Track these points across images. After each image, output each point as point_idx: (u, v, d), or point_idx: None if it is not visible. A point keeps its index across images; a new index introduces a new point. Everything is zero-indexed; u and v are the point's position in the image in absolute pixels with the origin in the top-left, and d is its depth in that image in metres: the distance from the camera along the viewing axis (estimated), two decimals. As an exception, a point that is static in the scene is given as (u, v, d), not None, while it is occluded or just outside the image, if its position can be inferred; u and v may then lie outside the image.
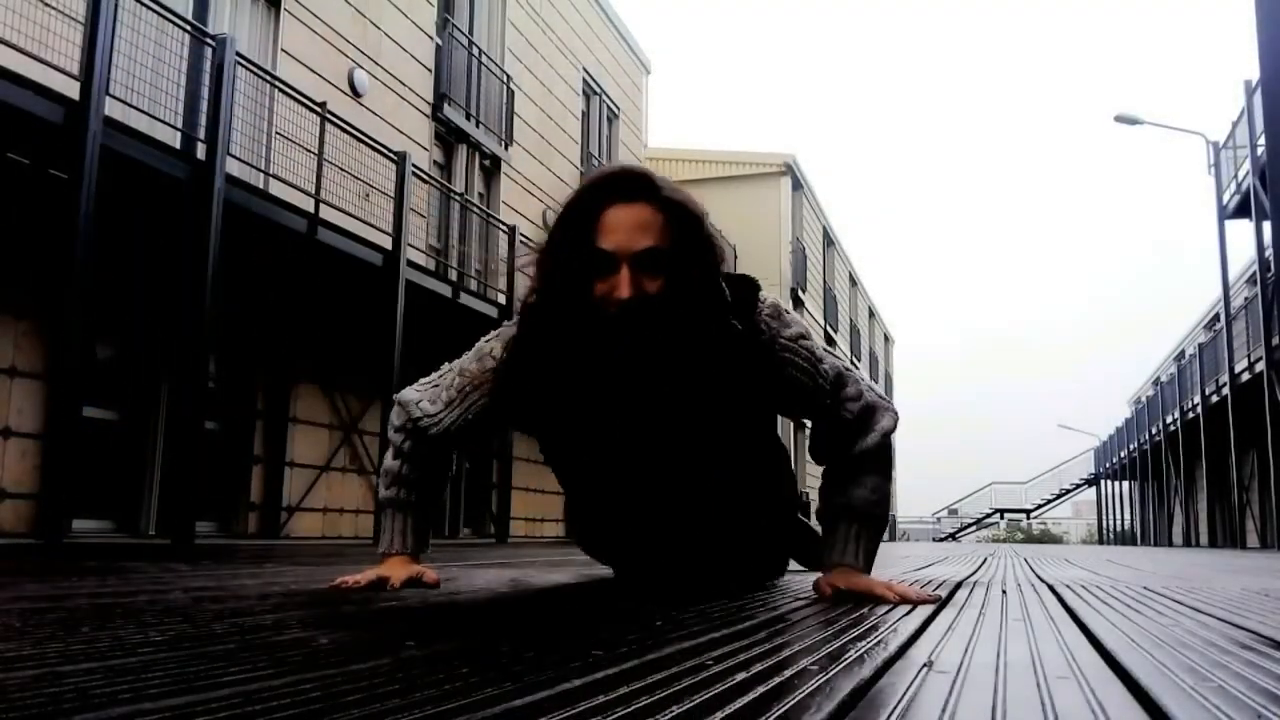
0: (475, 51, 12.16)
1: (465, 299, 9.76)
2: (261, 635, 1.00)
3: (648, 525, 1.86)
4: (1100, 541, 33.94)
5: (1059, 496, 36.44)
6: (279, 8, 8.92)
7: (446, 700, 0.65)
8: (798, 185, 23.24)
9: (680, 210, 1.61)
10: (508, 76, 12.84)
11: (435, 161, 11.48)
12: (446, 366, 1.91)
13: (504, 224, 11.14)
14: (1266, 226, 13.58)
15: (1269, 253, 13.75)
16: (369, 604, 1.45)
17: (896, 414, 1.80)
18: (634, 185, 1.60)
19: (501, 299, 10.58)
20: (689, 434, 1.73)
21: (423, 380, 1.93)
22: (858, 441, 1.75)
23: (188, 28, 6.73)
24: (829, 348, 1.80)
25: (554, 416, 1.76)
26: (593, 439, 1.76)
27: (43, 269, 6.18)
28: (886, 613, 1.40)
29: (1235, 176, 15.54)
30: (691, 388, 1.67)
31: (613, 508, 1.89)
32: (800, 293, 22.68)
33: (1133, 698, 0.71)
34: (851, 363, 1.86)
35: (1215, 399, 17.23)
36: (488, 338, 1.86)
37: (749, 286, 1.75)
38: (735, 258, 20.81)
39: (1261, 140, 13.09)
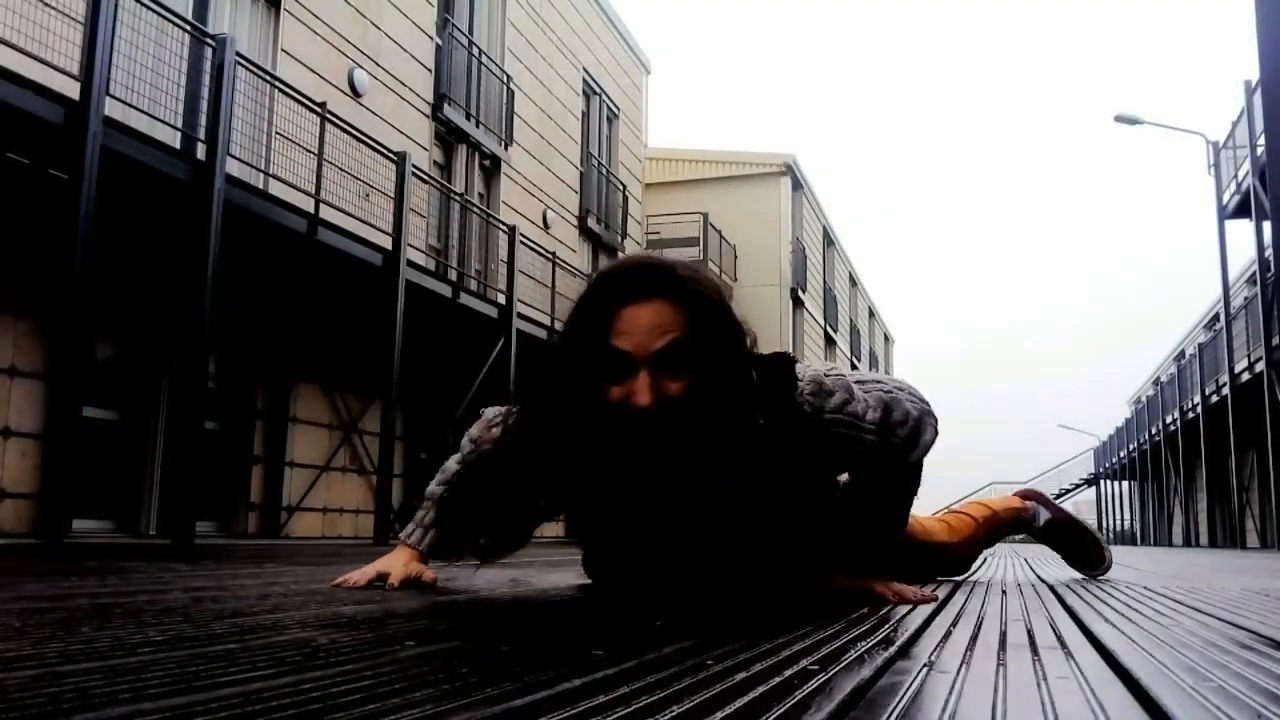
0: (475, 51, 12.16)
1: (465, 299, 9.76)
2: (261, 635, 1.00)
3: (684, 588, 1.75)
4: (1100, 541, 33.90)
5: (1059, 496, 36.40)
6: (279, 8, 8.92)
7: (446, 700, 0.65)
8: (798, 185, 23.24)
9: (702, 301, 1.49)
10: (508, 76, 12.84)
11: (435, 161, 11.48)
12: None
13: (504, 224, 11.14)
14: (1266, 226, 13.58)
15: (1269, 253, 13.75)
16: (368, 604, 1.45)
17: (936, 419, 1.72)
18: (651, 280, 1.48)
19: (501, 299, 10.58)
20: (725, 526, 1.63)
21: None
22: (901, 458, 1.69)
23: (188, 28, 6.73)
24: (864, 378, 1.70)
25: (573, 499, 1.67)
26: (618, 527, 1.70)
27: (43, 269, 6.18)
28: (886, 612, 1.40)
29: (1235, 176, 15.54)
30: (721, 484, 1.56)
31: (644, 573, 1.81)
32: (800, 293, 22.68)
33: (1133, 698, 0.71)
34: (859, 365, 1.81)
35: (1215, 399, 17.23)
36: (490, 419, 1.80)
37: (783, 367, 1.60)
38: (735, 258, 20.83)
39: (1261, 140, 13.10)
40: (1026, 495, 2.71)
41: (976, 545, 2.50)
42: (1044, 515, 2.64)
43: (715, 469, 1.53)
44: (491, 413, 1.82)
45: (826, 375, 1.63)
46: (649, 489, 1.58)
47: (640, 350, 1.44)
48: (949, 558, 2.44)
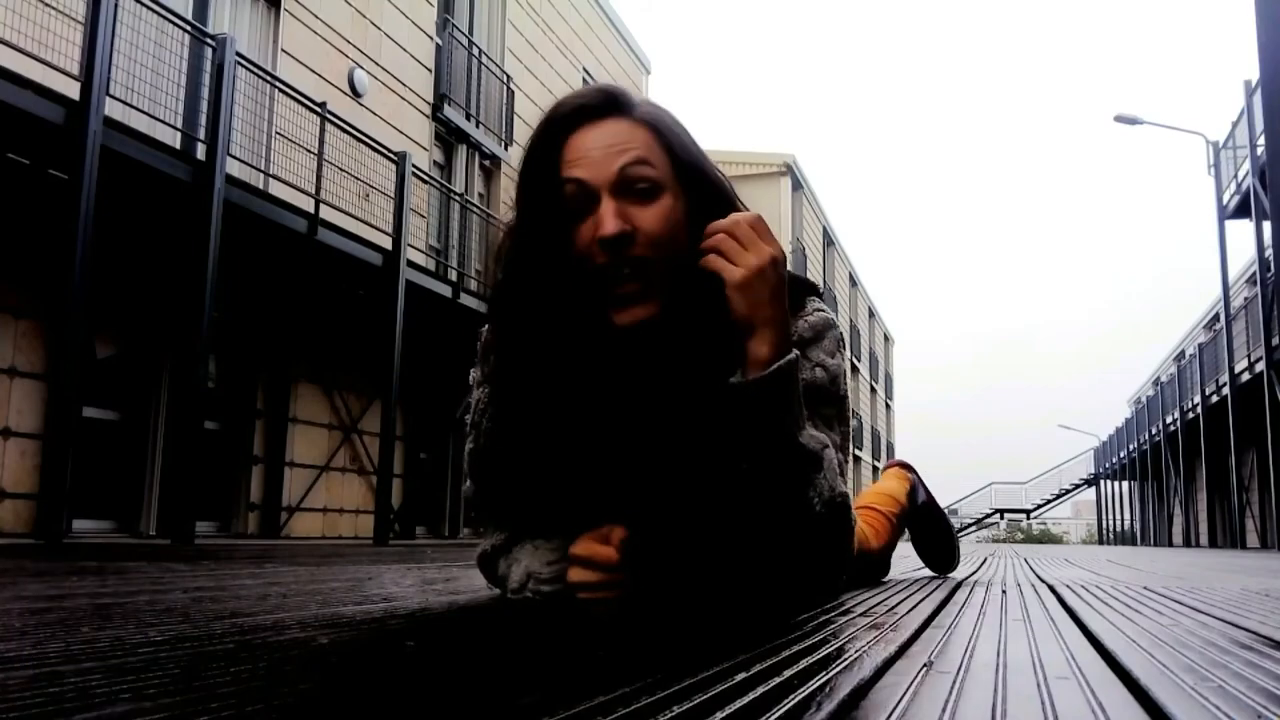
0: (475, 51, 12.16)
1: (465, 299, 9.76)
2: (261, 635, 1.00)
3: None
4: (1100, 541, 33.96)
5: (1059, 496, 36.45)
6: (279, 8, 8.92)
7: (446, 699, 0.65)
8: (798, 185, 23.25)
9: (663, 120, 1.26)
10: (508, 76, 12.85)
11: (435, 161, 11.49)
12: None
13: (504, 224, 11.14)
14: (1266, 226, 13.58)
15: (1269, 253, 13.76)
16: (368, 604, 1.45)
17: (850, 538, 1.29)
18: (600, 102, 1.25)
19: (501, 299, 10.58)
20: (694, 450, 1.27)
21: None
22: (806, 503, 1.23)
23: (188, 28, 6.73)
24: (842, 417, 1.36)
25: (540, 416, 1.30)
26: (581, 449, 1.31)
27: (43, 269, 6.18)
28: (886, 613, 1.41)
29: (1235, 176, 15.55)
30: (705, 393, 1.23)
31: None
32: (800, 293, 22.69)
33: (1133, 698, 0.71)
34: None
35: (1215, 399, 17.24)
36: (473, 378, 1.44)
37: (802, 289, 1.36)
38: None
39: (1261, 140, 13.09)
40: (903, 465, 2.51)
41: (894, 542, 2.31)
42: (921, 493, 2.45)
43: (707, 363, 1.22)
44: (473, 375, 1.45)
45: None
46: (623, 390, 1.26)
47: (597, 175, 1.20)
48: (879, 563, 2.23)
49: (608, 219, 1.17)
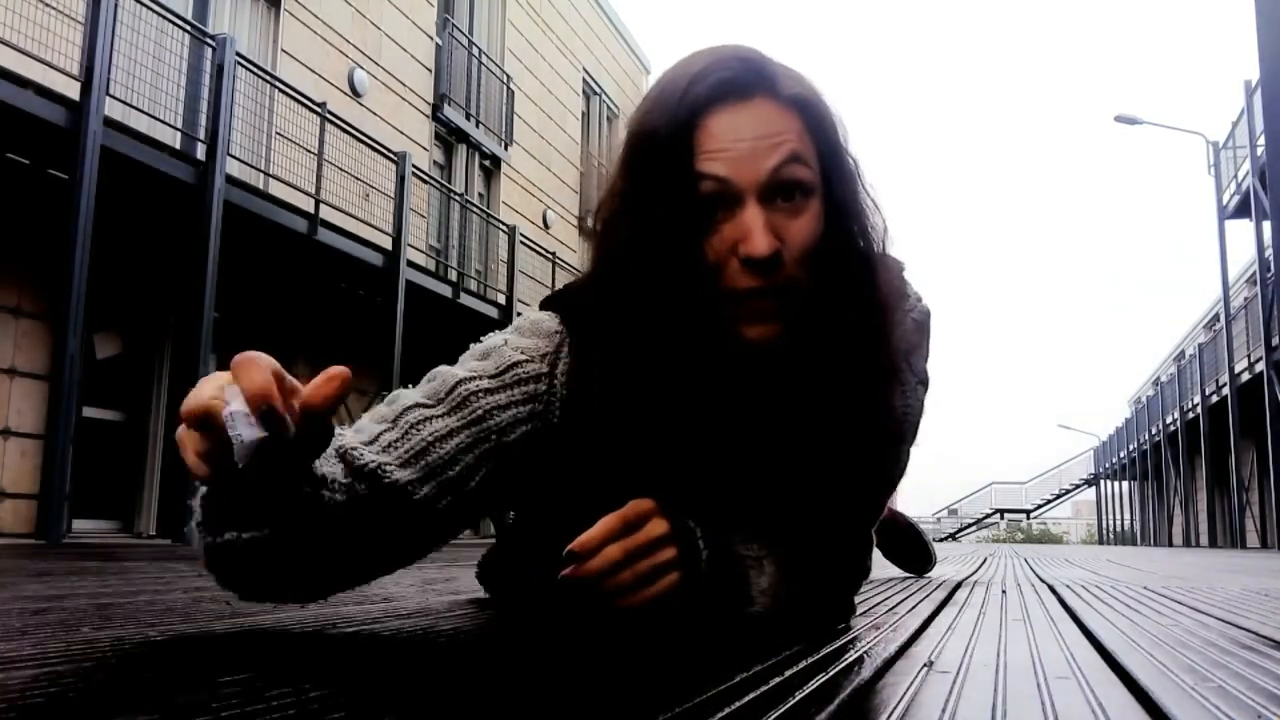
0: (475, 51, 12.17)
1: (465, 299, 9.76)
2: (261, 635, 1.00)
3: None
4: (1100, 541, 33.95)
5: (1059, 496, 36.44)
6: (279, 8, 8.92)
7: (446, 699, 0.65)
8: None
9: (815, 109, 1.03)
10: (508, 76, 12.85)
11: (435, 161, 11.49)
12: (406, 396, 1.04)
13: (504, 224, 11.15)
14: (1266, 226, 13.58)
15: (1269, 253, 13.76)
16: (368, 604, 1.45)
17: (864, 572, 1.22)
18: (748, 78, 1.01)
19: (501, 299, 10.58)
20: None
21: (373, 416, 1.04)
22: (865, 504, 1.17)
23: (188, 28, 6.73)
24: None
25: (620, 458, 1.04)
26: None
27: (43, 269, 6.18)
28: (886, 613, 1.40)
29: (1235, 176, 15.55)
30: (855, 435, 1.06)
31: None
32: (800, 293, 22.67)
33: (1133, 698, 0.71)
34: None
35: (1215, 399, 17.24)
36: (507, 338, 1.09)
37: (891, 265, 1.14)
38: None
39: (1261, 140, 13.10)
40: None
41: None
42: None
43: (858, 401, 1.04)
44: (512, 344, 1.08)
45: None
46: (761, 418, 1.05)
47: (744, 175, 0.97)
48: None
49: (757, 235, 0.95)
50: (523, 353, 1.05)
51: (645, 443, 1.03)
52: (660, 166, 0.99)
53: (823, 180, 1.02)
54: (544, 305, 1.13)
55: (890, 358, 1.06)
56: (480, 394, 1.01)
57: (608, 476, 1.02)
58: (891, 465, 1.15)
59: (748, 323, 0.99)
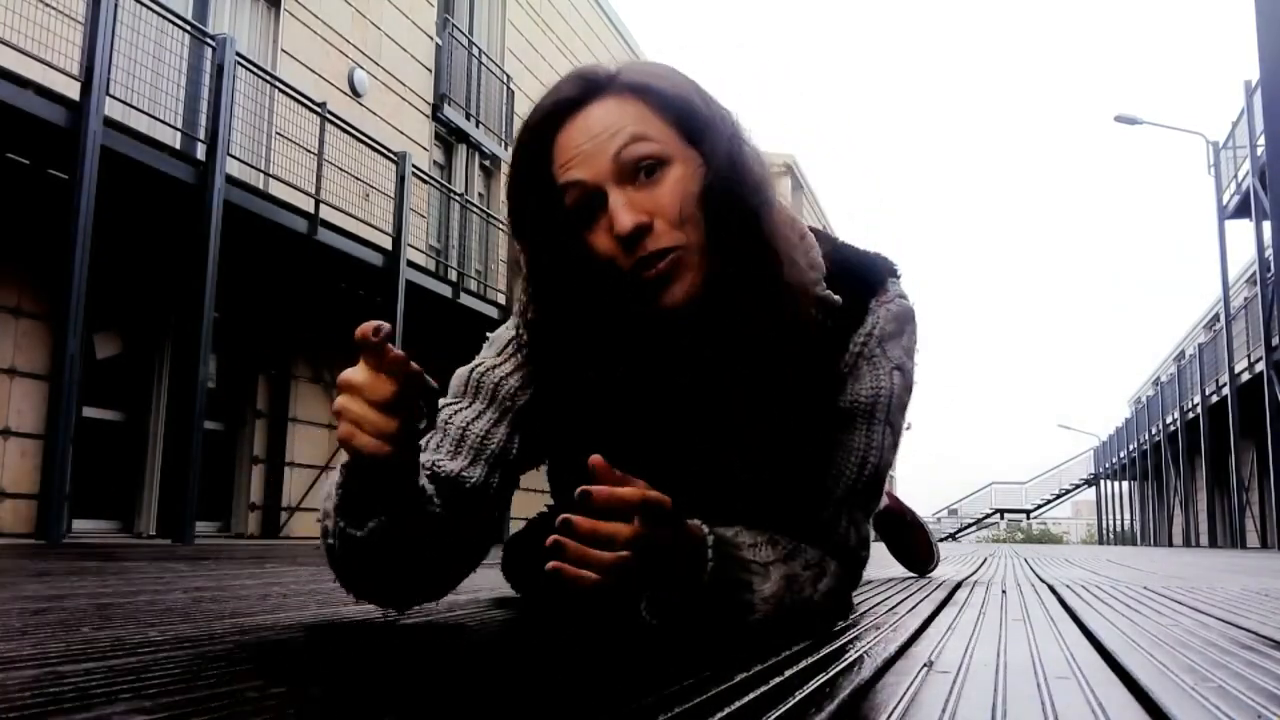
0: (475, 51, 12.17)
1: (465, 299, 9.76)
2: (261, 635, 1.00)
3: None
4: (1100, 541, 33.95)
5: (1059, 496, 36.45)
6: (279, 8, 8.92)
7: (446, 699, 0.65)
8: (798, 185, 23.25)
9: (652, 85, 1.10)
10: (508, 76, 12.84)
11: (435, 161, 11.49)
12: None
13: (504, 224, 11.14)
14: (1266, 226, 13.58)
15: (1269, 253, 13.76)
16: (369, 604, 1.45)
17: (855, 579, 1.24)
18: (577, 90, 1.11)
19: (501, 299, 10.57)
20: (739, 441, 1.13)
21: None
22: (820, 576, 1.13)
23: (188, 28, 6.73)
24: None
25: (572, 425, 1.17)
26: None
27: (43, 269, 6.18)
28: (886, 613, 1.41)
29: (1235, 176, 15.55)
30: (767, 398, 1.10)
31: None
32: (800, 293, 22.70)
33: (1133, 698, 0.71)
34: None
35: (1215, 399, 17.24)
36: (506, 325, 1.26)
37: (881, 268, 1.20)
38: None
39: (1261, 140, 13.10)
40: None
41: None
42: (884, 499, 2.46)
43: (766, 360, 1.08)
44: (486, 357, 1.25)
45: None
46: (661, 391, 1.12)
47: (594, 170, 1.06)
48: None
49: (619, 214, 1.03)
50: (512, 330, 1.21)
51: (593, 421, 1.13)
52: (530, 193, 1.10)
53: (686, 140, 1.08)
54: None
55: (793, 299, 1.10)
56: (489, 372, 1.18)
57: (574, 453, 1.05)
58: (864, 446, 1.16)
59: (658, 292, 1.06)
